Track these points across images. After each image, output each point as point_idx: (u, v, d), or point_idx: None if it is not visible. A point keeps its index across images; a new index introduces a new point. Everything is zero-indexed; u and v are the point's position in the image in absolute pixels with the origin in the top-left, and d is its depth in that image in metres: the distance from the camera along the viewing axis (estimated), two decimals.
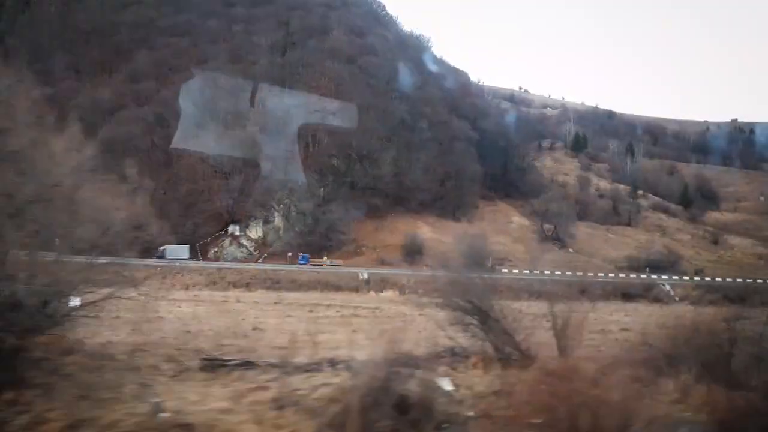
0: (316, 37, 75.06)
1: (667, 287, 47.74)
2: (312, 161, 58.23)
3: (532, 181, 74.58)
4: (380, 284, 44.66)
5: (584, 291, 40.65)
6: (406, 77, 74.69)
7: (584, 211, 76.50)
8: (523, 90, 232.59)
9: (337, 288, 42.72)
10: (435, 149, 68.69)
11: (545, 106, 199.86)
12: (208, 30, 71.64)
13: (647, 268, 54.67)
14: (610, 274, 52.57)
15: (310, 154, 58.23)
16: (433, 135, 69.80)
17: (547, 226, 60.11)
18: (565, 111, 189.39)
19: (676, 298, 46.43)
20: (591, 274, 51.95)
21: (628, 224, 74.83)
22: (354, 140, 61.91)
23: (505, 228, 65.51)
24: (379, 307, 37.95)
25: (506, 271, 51.90)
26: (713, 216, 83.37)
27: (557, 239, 59.73)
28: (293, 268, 46.24)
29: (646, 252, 55.77)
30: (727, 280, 52.92)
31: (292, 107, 56.80)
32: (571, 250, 59.15)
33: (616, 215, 76.55)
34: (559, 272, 51.98)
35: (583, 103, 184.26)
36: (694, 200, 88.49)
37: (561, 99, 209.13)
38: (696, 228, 75.61)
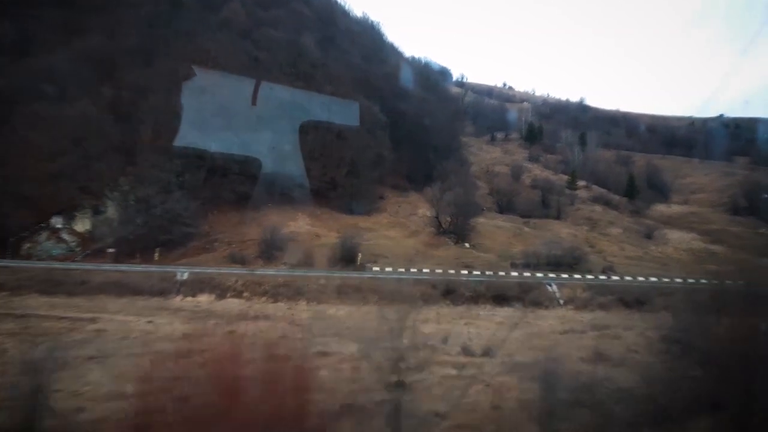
0: (212, 9, 67.44)
1: (554, 288, 39.96)
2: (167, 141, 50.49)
3: (453, 170, 66.52)
4: (199, 286, 37.02)
5: (451, 292, 32.26)
6: (312, 53, 67.16)
7: (511, 203, 69.00)
8: (507, 86, 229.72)
9: (138, 292, 35.01)
10: (332, 133, 60.81)
11: (522, 101, 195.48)
12: None
13: (548, 266, 46.94)
14: (501, 273, 45.01)
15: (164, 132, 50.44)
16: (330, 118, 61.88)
17: (444, 218, 52.23)
18: (541, 104, 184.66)
19: (561, 301, 38.84)
20: (477, 272, 44.74)
21: (557, 217, 67.03)
22: (224, 120, 54.19)
23: (405, 221, 57.81)
24: (153, 321, 30.39)
25: (377, 269, 44.32)
26: (659, 209, 75.60)
27: (455, 233, 51.88)
28: (105, 267, 38.76)
29: (548, 248, 47.88)
30: (639, 279, 45.21)
31: None
32: (467, 245, 51.39)
33: (545, 207, 68.78)
34: (440, 270, 44.77)
35: (567, 99, 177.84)
36: (642, 192, 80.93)
37: (546, 95, 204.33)
38: (635, 221, 67.78)
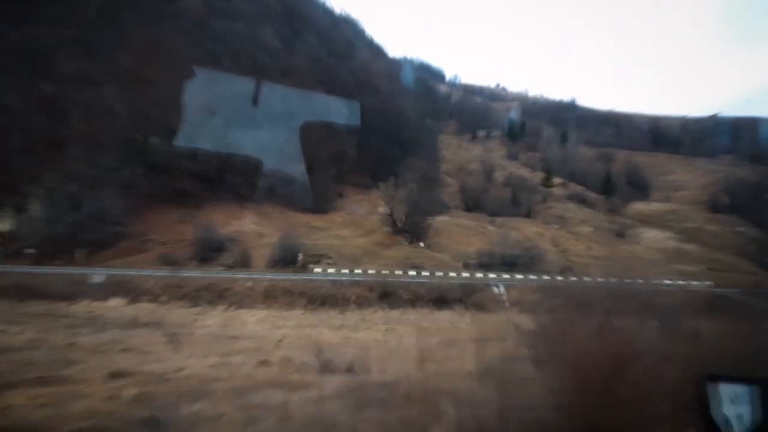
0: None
1: (501, 290, 37.09)
2: (107, 134, 47.83)
3: (417, 167, 63.64)
4: (113, 290, 34.17)
5: (389, 295, 29.22)
6: (271, 44, 64.51)
7: (480, 201, 66.25)
8: (501, 87, 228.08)
9: (41, 296, 32.14)
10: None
11: (513, 100, 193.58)
12: None
13: (503, 266, 44.21)
14: (451, 273, 42.26)
15: (102, 126, 47.76)
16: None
17: (399, 216, 49.44)
18: (531, 104, 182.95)
19: (507, 304, 35.86)
20: (426, 273, 41.97)
21: (527, 215, 64.20)
22: (172, 114, 51.47)
23: (362, 220, 54.99)
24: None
25: (318, 270, 41.56)
26: (637, 207, 72.77)
27: (410, 232, 49.08)
28: (18, 269, 35.88)
29: (503, 247, 45.08)
30: (598, 280, 41.99)
31: None
32: (422, 244, 48.57)
33: (515, 206, 65.96)
34: (386, 271, 41.96)
35: (561, 100, 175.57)
36: (620, 189, 78.21)
37: (540, 95, 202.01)
38: (609, 220, 64.92)
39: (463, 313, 34.70)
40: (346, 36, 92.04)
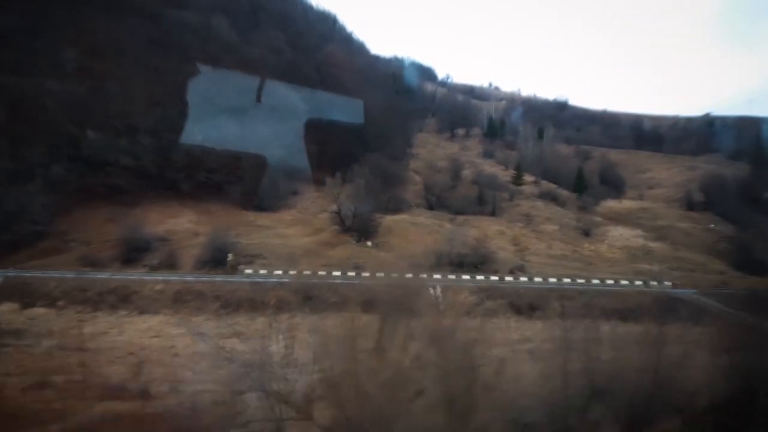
0: None
1: (437, 292, 34.48)
2: (37, 128, 45.15)
3: (379, 164, 60.92)
4: (9, 293, 31.61)
5: (313, 298, 26.13)
6: (225, 36, 61.92)
7: (445, 199, 63.67)
8: (493, 87, 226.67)
9: None
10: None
11: (501, 99, 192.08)
12: None
13: (450, 266, 41.65)
14: (393, 274, 39.36)
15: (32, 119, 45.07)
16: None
17: (346, 214, 46.83)
18: (513, 102, 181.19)
19: (442, 306, 33.24)
20: (366, 274, 39.26)
21: (492, 213, 61.59)
22: (114, 107, 49.02)
23: (313, 218, 52.34)
24: None
25: (249, 271, 38.90)
26: (609, 204, 70.27)
27: (357, 230, 46.45)
28: None
29: (450, 246, 42.47)
30: (550, 280, 39.81)
31: None
32: (369, 243, 45.94)
33: (482, 204, 63.37)
34: (323, 272, 39.34)
35: (555, 99, 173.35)
36: (594, 187, 75.77)
37: (533, 95, 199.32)
38: (578, 218, 62.30)
39: (401, 315, 31.96)
40: (319, 30, 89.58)
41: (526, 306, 33.26)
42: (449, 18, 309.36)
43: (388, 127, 75.55)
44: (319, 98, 66.76)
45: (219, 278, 35.41)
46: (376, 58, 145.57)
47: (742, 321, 28.55)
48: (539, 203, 65.91)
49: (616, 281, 40.00)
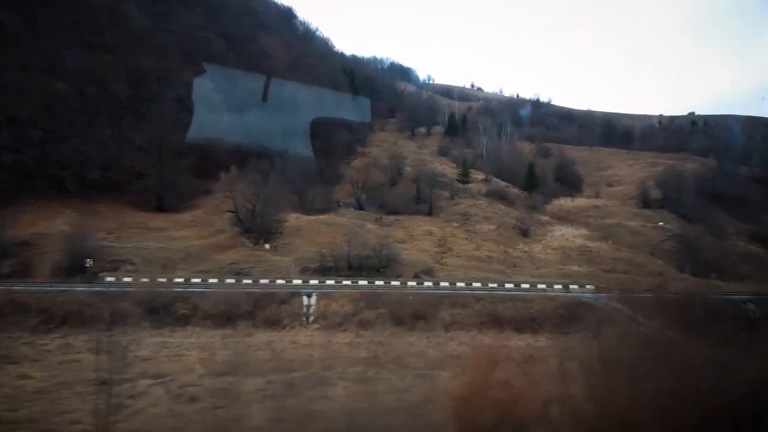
0: None
1: (311, 300, 29.54)
2: None
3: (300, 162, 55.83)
4: None
5: (161, 310, 20.88)
6: (134, 21, 57.13)
7: (379, 197, 58.95)
8: (476, 88, 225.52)
9: None
10: (132, 113, 50.61)
11: (479, 99, 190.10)
12: None
13: (350, 270, 36.77)
14: (279, 281, 34.76)
15: None
16: (137, 95, 51.81)
17: (245, 215, 41.89)
18: (488, 102, 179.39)
19: (311, 318, 28.38)
20: (248, 281, 34.30)
21: (429, 213, 56.87)
22: None
23: (216, 218, 47.28)
24: None
25: (111, 279, 33.79)
26: (560, 203, 65.81)
27: (258, 232, 41.51)
28: None
29: (349, 248, 37.60)
30: (458, 285, 35.08)
31: None
32: (267, 246, 41.01)
33: (418, 203, 58.65)
34: (197, 279, 34.27)
35: (538, 99, 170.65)
36: (548, 185, 71.34)
37: (515, 95, 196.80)
38: (522, 216, 57.61)
39: (245, 330, 27.05)
40: (260, 21, 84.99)
41: (411, 316, 28.38)
42: (437, 20, 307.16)
43: (327, 124, 70.80)
44: (246, 90, 62.29)
45: (62, 287, 30.22)
46: (341, 56, 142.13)
47: (639, 333, 23.72)
48: (482, 202, 61.25)
49: (533, 285, 35.28)
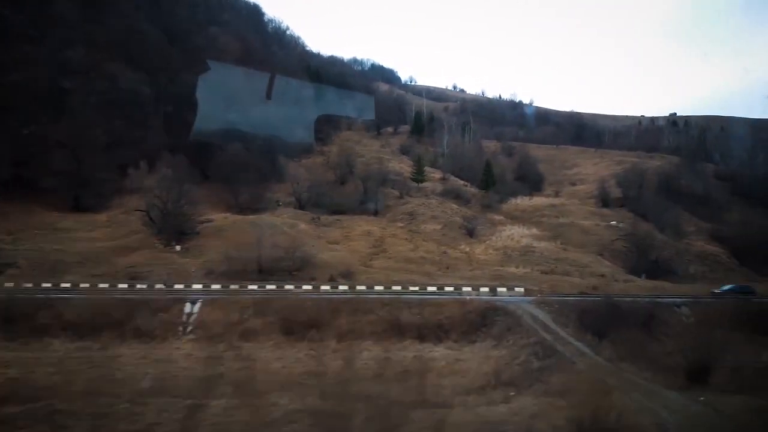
0: None
1: (193, 308, 26.53)
2: None
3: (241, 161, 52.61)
4: None
5: (14, 320, 17.00)
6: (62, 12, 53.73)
7: (323, 197, 55.94)
8: (458, 89, 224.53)
9: None
10: (47, 106, 47.15)
11: (457, 100, 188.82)
12: None
13: (261, 273, 33.72)
14: (178, 286, 31.61)
15: None
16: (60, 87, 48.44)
17: (155, 213, 38.67)
18: (465, 103, 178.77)
19: (190, 327, 25.41)
20: (142, 286, 31.05)
21: (375, 212, 54.10)
22: None
23: (136, 218, 43.81)
24: None
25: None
26: (516, 202, 63.37)
27: (171, 232, 38.30)
28: None
29: (261, 250, 34.58)
30: (376, 288, 32.27)
31: None
32: (179, 248, 37.80)
33: (364, 202, 55.85)
34: (86, 285, 30.96)
35: (521, 100, 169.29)
36: (507, 184, 68.93)
37: (497, 96, 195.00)
38: (472, 216, 55.04)
39: (107, 343, 23.89)
40: (213, 16, 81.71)
41: (304, 324, 25.36)
42: (423, 23, 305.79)
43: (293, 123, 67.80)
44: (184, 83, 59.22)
45: None
46: (316, 56, 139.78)
47: (538, 342, 21.09)
48: (434, 201, 58.54)
49: (457, 288, 32.46)
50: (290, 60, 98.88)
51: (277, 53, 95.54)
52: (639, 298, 30.27)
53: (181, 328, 25.26)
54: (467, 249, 44.92)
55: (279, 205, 53.42)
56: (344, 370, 19.58)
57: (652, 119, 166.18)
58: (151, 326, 25.01)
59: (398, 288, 32.26)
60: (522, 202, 63.11)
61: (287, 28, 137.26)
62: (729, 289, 33.80)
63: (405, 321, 25.81)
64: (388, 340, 24.25)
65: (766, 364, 14.17)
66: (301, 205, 53.75)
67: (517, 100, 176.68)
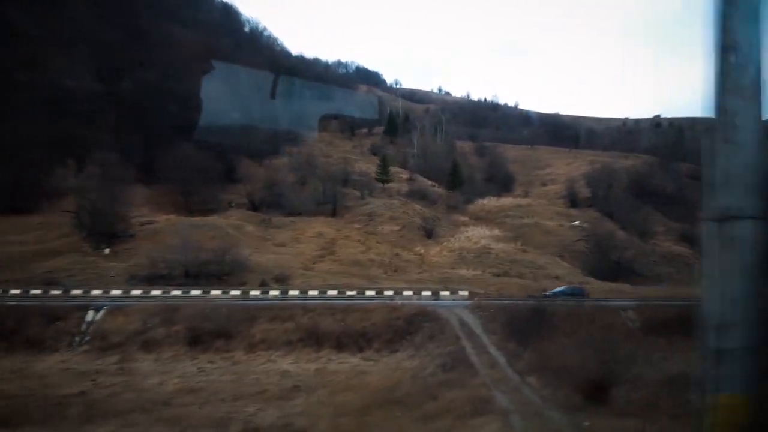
0: None
1: (98, 315, 24.27)
2: None
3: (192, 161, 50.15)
4: None
5: None
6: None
7: (280, 198, 53.82)
8: (444, 92, 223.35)
9: None
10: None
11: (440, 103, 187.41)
12: None
13: (187, 277, 31.46)
14: (95, 292, 29.28)
15: None
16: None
17: (84, 215, 36.35)
18: (445, 105, 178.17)
19: (87, 337, 23.12)
20: (56, 292, 28.65)
21: (333, 213, 52.08)
22: None
23: (67, 221, 41.40)
24: None
25: None
26: (483, 202, 61.74)
27: (101, 235, 35.98)
28: None
29: (184, 254, 32.34)
30: (310, 293, 30.28)
31: None
32: (107, 251, 35.56)
33: (321, 204, 53.80)
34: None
35: (507, 103, 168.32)
36: (476, 184, 67.36)
37: (482, 99, 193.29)
38: (437, 217, 53.28)
39: None
40: (176, 14, 79.46)
41: (213, 333, 23.21)
42: (412, 27, 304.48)
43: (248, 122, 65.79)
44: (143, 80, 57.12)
45: None
46: (289, 55, 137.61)
47: (452, 353, 19.17)
48: (396, 201, 56.65)
49: (397, 292, 30.49)
50: (261, 60, 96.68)
51: (248, 53, 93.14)
52: (587, 301, 28.53)
53: (77, 338, 23.02)
54: (422, 251, 43.04)
55: (231, 207, 51.23)
56: (224, 387, 17.49)
57: (637, 121, 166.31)
58: (44, 336, 22.75)
59: (334, 293, 30.27)
60: (489, 202, 61.41)
61: (264, 29, 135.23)
62: (559, 292, 30.20)
63: (326, 329, 23.75)
64: (300, 351, 22.18)
65: (671, 376, 12.29)
66: (254, 207, 51.58)
67: (502, 103, 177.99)
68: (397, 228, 48.66)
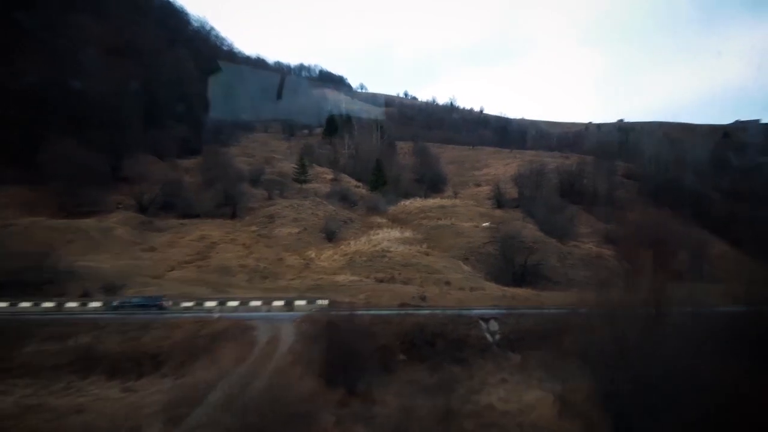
0: None
1: None
2: None
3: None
4: None
5: None
6: None
7: (174, 199, 49.22)
8: (410, 97, 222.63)
9: None
10: None
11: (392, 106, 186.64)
12: None
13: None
14: None
15: None
16: None
17: None
18: (402, 108, 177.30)
19: None
20: None
21: (233, 216, 47.83)
22: None
23: None
24: None
25: None
26: (405, 203, 58.37)
27: None
28: None
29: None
30: (131, 300, 25.68)
31: None
32: None
33: (220, 205, 49.51)
34: None
35: (472, 108, 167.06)
36: (404, 184, 64.07)
37: (449, 103, 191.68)
38: (350, 218, 49.61)
39: None
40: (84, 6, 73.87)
41: None
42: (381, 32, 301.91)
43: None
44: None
45: None
46: (250, 59, 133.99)
47: (223, 378, 15.30)
48: (308, 202, 52.76)
49: (244, 302, 26.47)
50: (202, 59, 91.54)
51: (188, 51, 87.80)
52: (450, 311, 25.06)
53: None
54: (312, 255, 39.14)
55: (119, 208, 46.33)
56: None
57: (599, 125, 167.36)
58: None
59: (190, 305, 25.96)
60: (412, 203, 58.01)
61: (211, 29, 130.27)
62: (126, 302, 25.16)
63: (106, 350, 19.63)
64: (58, 379, 17.94)
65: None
66: (142, 208, 46.80)
67: (460, 107, 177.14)
68: (296, 230, 44.72)
